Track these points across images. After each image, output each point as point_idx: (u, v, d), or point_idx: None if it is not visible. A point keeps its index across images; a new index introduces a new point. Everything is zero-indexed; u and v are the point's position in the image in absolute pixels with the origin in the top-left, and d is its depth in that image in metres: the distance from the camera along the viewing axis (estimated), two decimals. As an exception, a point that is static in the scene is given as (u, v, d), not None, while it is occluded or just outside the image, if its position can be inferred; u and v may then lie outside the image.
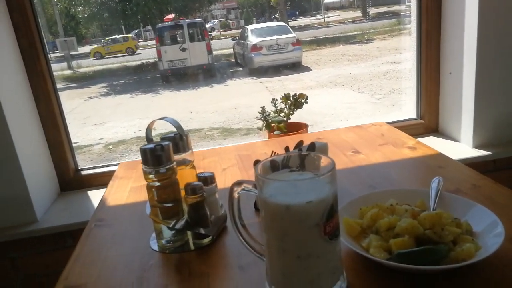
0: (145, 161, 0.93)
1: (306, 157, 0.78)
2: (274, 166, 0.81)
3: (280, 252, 0.73)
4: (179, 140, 1.04)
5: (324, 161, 0.74)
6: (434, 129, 2.21)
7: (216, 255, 0.93)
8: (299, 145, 1.16)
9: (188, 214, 0.96)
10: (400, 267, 0.76)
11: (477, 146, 1.96)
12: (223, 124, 3.53)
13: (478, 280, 0.76)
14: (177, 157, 1.03)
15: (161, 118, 1.03)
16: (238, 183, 0.79)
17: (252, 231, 0.82)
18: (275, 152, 1.22)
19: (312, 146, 1.11)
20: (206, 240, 0.97)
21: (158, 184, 0.93)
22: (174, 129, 1.04)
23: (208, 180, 1.02)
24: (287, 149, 1.16)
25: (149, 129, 1.03)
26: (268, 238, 0.74)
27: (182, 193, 0.97)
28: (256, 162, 1.11)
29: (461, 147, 2.01)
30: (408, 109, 2.29)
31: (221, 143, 2.90)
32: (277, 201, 0.69)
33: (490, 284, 0.74)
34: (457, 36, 1.95)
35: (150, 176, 0.93)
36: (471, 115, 1.94)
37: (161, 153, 0.93)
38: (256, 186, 0.75)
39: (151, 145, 0.93)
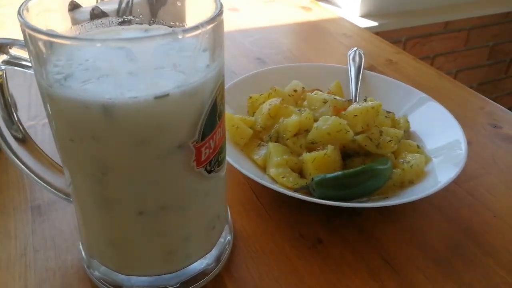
0: None
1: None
2: (92, 14, 0.37)
3: (101, 203, 0.33)
4: None
5: (196, 2, 0.33)
6: (317, -7, 1.87)
7: (-14, 187, 0.50)
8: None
9: None
10: (329, 205, 0.44)
11: (363, 15, 1.71)
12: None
13: (431, 209, 0.49)
14: None
15: None
16: (-8, 47, 0.33)
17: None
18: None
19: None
20: (-34, 158, 0.51)
21: None
22: None
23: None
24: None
25: None
26: (71, 175, 0.33)
27: None
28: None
29: (346, 16, 1.74)
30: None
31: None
32: (81, 95, 0.27)
33: (444, 214, 0.49)
34: None
35: None
36: (361, -23, 1.64)
37: None
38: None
39: None
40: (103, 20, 0.36)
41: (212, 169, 0.34)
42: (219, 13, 0.29)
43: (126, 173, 0.31)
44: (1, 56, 0.33)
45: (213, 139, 0.33)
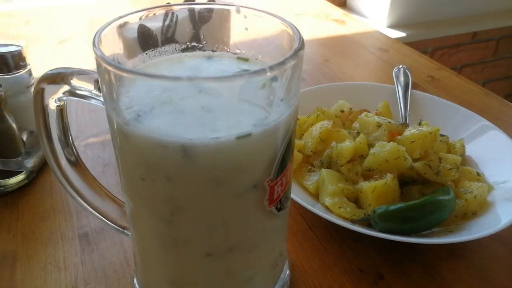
0: None
1: (212, 13, 0.33)
2: (146, 36, 0.36)
3: (166, 243, 0.31)
4: None
5: (263, 22, 0.31)
6: (341, 3, 1.85)
7: (36, 211, 0.48)
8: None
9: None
10: (393, 240, 0.41)
11: (390, 25, 1.68)
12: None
13: (495, 243, 0.46)
14: None
15: None
16: (55, 77, 0.32)
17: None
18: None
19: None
20: (15, 180, 0.50)
21: None
22: None
23: (9, 60, 0.51)
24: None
25: None
26: (136, 212, 0.32)
27: None
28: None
29: (373, 26, 1.71)
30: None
31: None
32: (160, 134, 0.26)
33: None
34: None
35: None
36: (388, -13, 1.61)
37: None
38: (99, 85, 0.29)
39: None
40: (166, 47, 0.34)
41: (281, 206, 0.32)
42: (301, 46, 0.27)
43: (197, 213, 0.29)
44: (64, 86, 0.32)
45: (285, 175, 0.31)
